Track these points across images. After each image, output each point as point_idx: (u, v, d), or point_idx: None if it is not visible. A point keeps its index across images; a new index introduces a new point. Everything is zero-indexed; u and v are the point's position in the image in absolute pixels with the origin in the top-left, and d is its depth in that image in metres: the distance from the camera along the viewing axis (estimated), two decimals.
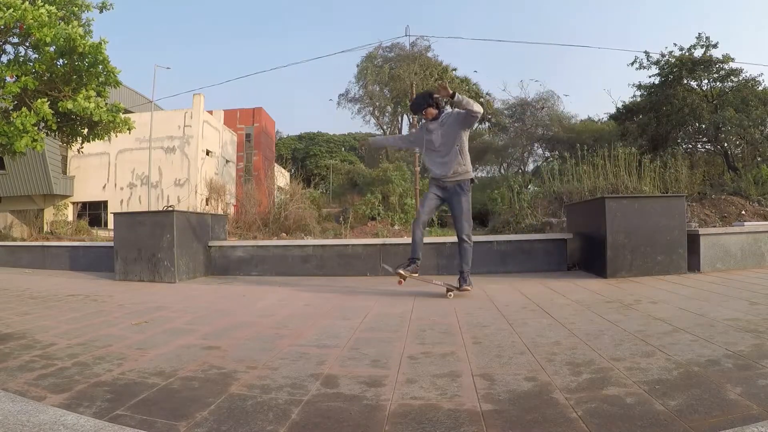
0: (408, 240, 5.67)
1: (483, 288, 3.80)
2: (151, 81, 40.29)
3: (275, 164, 24.95)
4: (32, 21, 6.97)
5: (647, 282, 3.76)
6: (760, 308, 2.56)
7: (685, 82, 15.42)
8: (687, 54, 14.93)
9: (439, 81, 3.45)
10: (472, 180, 3.57)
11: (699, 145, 16.09)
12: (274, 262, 5.38)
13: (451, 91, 3.28)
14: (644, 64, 16.06)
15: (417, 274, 3.59)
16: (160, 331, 2.47)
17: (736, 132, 13.14)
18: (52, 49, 7.55)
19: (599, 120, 24.95)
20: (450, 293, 3.40)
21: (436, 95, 3.50)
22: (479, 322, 2.51)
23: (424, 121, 3.71)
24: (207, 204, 17.04)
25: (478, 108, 3.35)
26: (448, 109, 3.62)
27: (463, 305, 3.02)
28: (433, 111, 3.58)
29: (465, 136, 3.52)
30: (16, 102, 7.88)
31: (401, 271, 3.47)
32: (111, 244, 5.66)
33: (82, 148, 9.40)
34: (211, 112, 21.74)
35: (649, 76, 17.08)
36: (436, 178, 3.58)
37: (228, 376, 1.68)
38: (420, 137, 3.75)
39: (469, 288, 3.44)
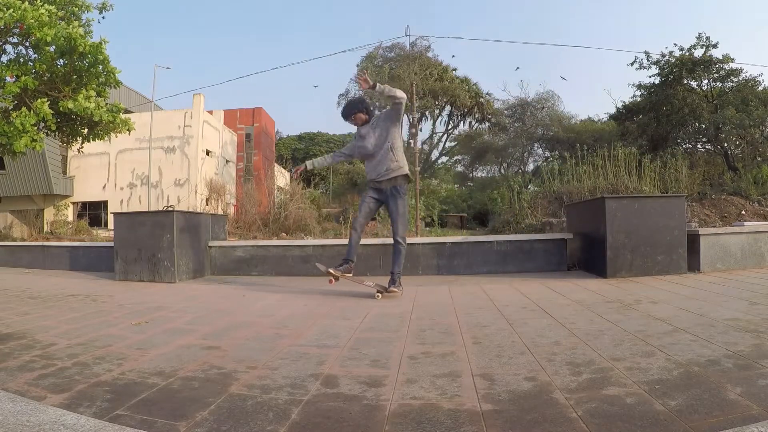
0: (408, 240, 5.68)
1: (483, 288, 3.80)
2: (151, 81, 40.27)
3: (275, 164, 24.95)
4: (32, 21, 6.98)
5: (647, 282, 3.76)
6: (760, 308, 2.56)
7: (685, 82, 15.42)
8: (687, 54, 14.92)
9: (359, 73, 3.44)
10: (407, 177, 3.55)
11: (699, 145, 16.08)
12: (274, 262, 5.38)
13: (371, 83, 3.30)
14: (644, 64, 16.08)
15: (351, 274, 3.60)
16: (160, 331, 2.47)
17: (736, 132, 13.14)
18: (52, 49, 7.56)
19: (599, 120, 24.98)
20: (378, 294, 3.40)
21: (362, 87, 3.45)
22: (479, 322, 2.51)
23: (356, 128, 3.72)
24: (207, 204, 17.02)
25: (400, 93, 3.35)
26: (377, 112, 3.65)
27: (463, 305, 3.02)
28: (362, 116, 3.59)
29: (395, 132, 3.52)
30: (16, 102, 7.89)
31: (332, 271, 3.47)
32: (111, 244, 5.66)
33: (82, 148, 9.40)
34: (211, 112, 21.74)
35: (649, 76, 17.10)
36: (372, 179, 3.59)
37: (228, 376, 1.68)
38: (354, 146, 3.73)
39: (396, 290, 3.46)
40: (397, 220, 3.51)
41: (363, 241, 5.54)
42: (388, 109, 3.50)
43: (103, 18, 8.63)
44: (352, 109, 3.61)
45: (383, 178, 3.50)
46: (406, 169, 3.53)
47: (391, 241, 5.34)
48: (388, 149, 3.47)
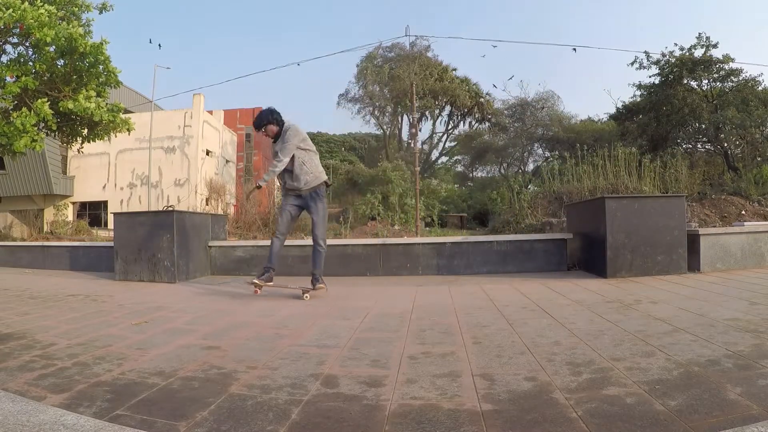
0: (408, 240, 5.68)
1: (483, 288, 3.80)
2: (151, 81, 40.23)
3: None
4: (32, 21, 6.98)
5: (647, 282, 3.76)
6: (760, 308, 2.56)
7: (686, 82, 15.39)
8: (687, 54, 14.91)
9: (251, 190, 3.74)
10: (326, 183, 3.67)
11: (699, 145, 16.07)
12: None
13: (256, 185, 3.64)
14: (644, 64, 16.04)
15: (272, 282, 3.68)
16: (160, 331, 2.47)
17: (736, 132, 13.13)
18: (52, 49, 7.56)
19: (599, 120, 24.93)
20: (306, 295, 3.46)
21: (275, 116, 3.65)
22: (479, 322, 2.51)
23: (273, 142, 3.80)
24: (207, 204, 17.01)
25: (274, 170, 3.57)
26: (287, 122, 3.69)
27: (463, 305, 3.02)
28: (273, 128, 3.65)
29: (297, 154, 3.59)
30: (16, 102, 7.88)
31: (256, 281, 3.56)
32: (111, 244, 5.66)
33: (82, 148, 9.39)
34: (211, 112, 21.73)
35: (649, 76, 17.04)
36: (291, 189, 3.66)
37: (228, 376, 1.68)
38: (274, 161, 3.79)
39: (323, 286, 3.54)
40: (318, 222, 3.62)
41: (363, 241, 5.55)
42: (284, 140, 3.58)
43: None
44: (262, 121, 3.66)
45: (303, 188, 3.62)
46: (323, 177, 3.64)
47: (390, 241, 5.38)
48: (301, 164, 3.57)
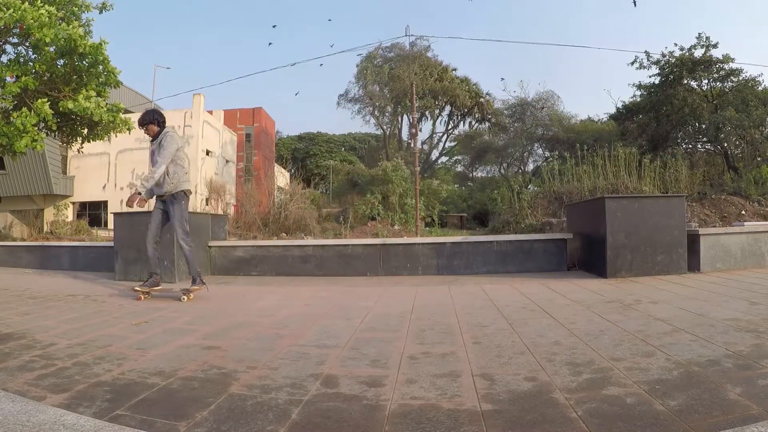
0: (408, 240, 5.69)
1: (483, 288, 3.80)
2: (151, 81, 40.24)
3: (275, 164, 24.94)
4: (32, 21, 6.97)
5: (647, 282, 3.76)
6: (760, 308, 2.56)
7: (686, 82, 15.39)
8: (687, 54, 14.91)
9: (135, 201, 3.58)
10: (186, 192, 3.75)
11: (699, 145, 16.07)
12: (274, 262, 5.38)
13: (143, 196, 3.57)
14: (644, 64, 16.05)
15: (159, 286, 3.74)
16: (160, 331, 2.47)
17: (736, 132, 13.13)
18: (52, 49, 7.55)
19: (599, 120, 24.95)
20: (184, 297, 3.51)
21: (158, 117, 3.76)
22: (479, 322, 2.51)
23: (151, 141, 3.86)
24: (207, 204, 17.05)
25: (153, 177, 3.57)
26: (167, 127, 3.80)
27: (463, 305, 3.02)
28: (154, 128, 3.76)
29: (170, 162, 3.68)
30: (16, 102, 7.88)
31: (137, 288, 3.59)
32: (111, 244, 5.66)
33: (82, 148, 9.40)
34: (211, 112, 21.72)
35: (650, 76, 17.05)
36: (157, 195, 3.75)
37: (228, 376, 1.68)
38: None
39: (198, 287, 3.62)
40: (175, 223, 3.70)
41: (363, 241, 5.55)
42: (159, 147, 3.66)
43: (100, 13, 8.60)
44: (145, 120, 3.75)
45: (165, 194, 3.71)
46: (183, 186, 3.73)
47: (390, 241, 5.38)
48: (164, 174, 3.66)
